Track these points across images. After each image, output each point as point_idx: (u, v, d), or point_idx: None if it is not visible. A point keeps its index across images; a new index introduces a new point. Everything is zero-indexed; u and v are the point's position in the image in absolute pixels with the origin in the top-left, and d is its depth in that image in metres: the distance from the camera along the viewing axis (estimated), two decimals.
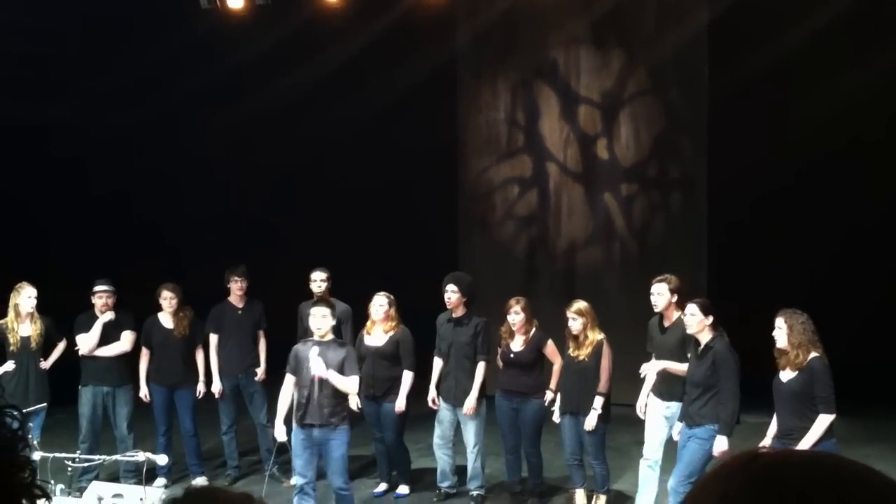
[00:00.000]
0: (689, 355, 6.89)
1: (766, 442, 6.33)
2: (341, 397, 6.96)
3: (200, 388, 8.41)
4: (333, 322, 7.06)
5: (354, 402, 7.74)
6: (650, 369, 7.15)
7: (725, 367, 6.49)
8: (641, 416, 7.29)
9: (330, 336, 7.01)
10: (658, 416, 7.19)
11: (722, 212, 10.88)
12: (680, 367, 6.98)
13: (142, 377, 8.31)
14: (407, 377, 7.93)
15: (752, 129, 10.55)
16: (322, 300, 7.31)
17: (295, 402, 7.00)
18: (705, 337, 6.62)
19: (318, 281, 8.41)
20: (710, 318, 6.61)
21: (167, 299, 8.26)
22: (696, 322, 6.60)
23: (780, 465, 0.98)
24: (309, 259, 8.97)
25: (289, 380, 7.08)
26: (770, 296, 7.71)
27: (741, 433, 6.65)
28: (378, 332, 7.99)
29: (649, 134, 11.23)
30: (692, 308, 6.64)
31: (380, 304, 7.95)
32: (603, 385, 7.26)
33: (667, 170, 11.27)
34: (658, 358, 7.17)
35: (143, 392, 8.30)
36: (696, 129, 11.01)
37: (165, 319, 8.32)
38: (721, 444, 6.45)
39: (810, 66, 10.18)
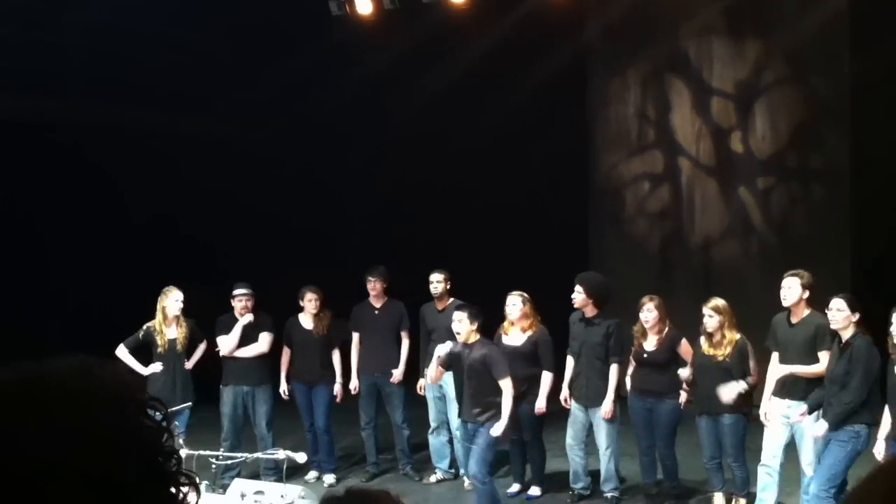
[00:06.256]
0: (819, 353, 6.68)
1: (880, 445, 6.09)
2: (491, 396, 7.06)
3: (337, 388, 8.60)
4: (474, 326, 7.13)
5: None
6: (776, 374, 6.90)
7: (860, 362, 6.27)
8: (766, 422, 7.04)
9: (473, 338, 7.15)
10: (777, 418, 6.93)
11: (868, 203, 10.37)
12: (807, 370, 6.74)
13: (282, 374, 8.57)
14: (546, 378, 7.88)
15: None
16: (463, 306, 7.35)
17: None
18: (848, 333, 6.38)
19: (435, 282, 8.48)
20: (857, 315, 6.37)
21: (311, 301, 8.48)
22: (843, 318, 6.37)
23: None
24: (437, 260, 9.03)
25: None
26: None
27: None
28: (515, 331, 7.96)
29: (788, 123, 10.82)
30: (839, 303, 6.41)
31: (513, 304, 7.91)
32: (753, 379, 7.09)
33: (807, 160, 10.84)
34: (782, 355, 6.94)
35: (283, 388, 8.55)
36: (838, 117, 10.55)
37: (306, 320, 8.55)
38: (818, 428, 6.35)
39: None
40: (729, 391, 6.85)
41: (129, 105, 11.33)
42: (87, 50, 11.19)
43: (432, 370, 7.36)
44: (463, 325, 7.07)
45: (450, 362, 7.33)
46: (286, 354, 8.60)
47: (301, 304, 8.55)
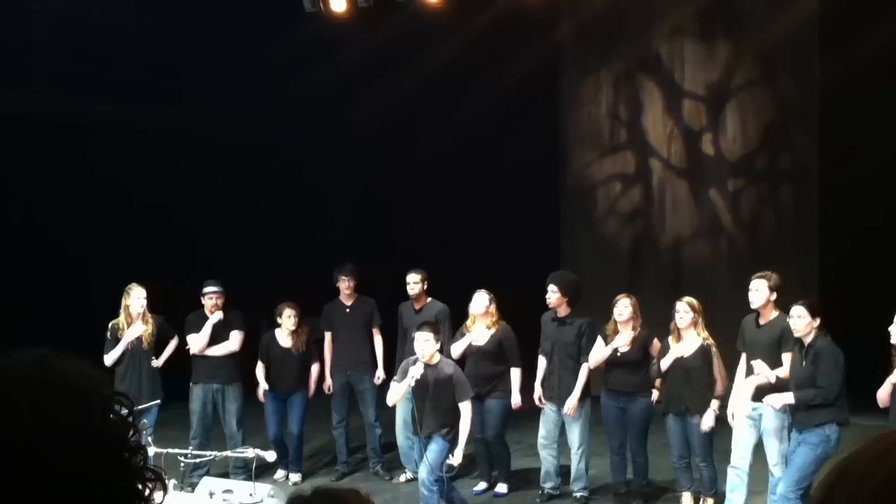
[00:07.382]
0: (783, 354, 6.71)
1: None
2: (453, 414, 7.03)
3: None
4: (437, 346, 7.09)
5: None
6: (745, 376, 6.94)
7: (825, 361, 6.30)
8: (732, 422, 7.08)
9: (437, 358, 7.07)
10: (745, 420, 6.97)
11: (835, 203, 10.48)
12: (772, 376, 6.75)
13: (261, 380, 8.36)
14: (515, 374, 7.92)
15: (868, 117, 10.09)
16: (426, 324, 7.21)
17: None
18: (810, 338, 6.42)
19: (412, 283, 8.46)
20: (818, 320, 6.39)
21: (289, 317, 8.36)
22: (804, 324, 6.39)
23: None
24: (411, 258, 9.02)
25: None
26: (888, 292, 7.37)
27: (854, 436, 6.38)
28: (480, 328, 7.99)
29: (758, 125, 10.92)
30: (800, 310, 6.43)
31: (480, 299, 7.99)
32: (720, 388, 7.13)
33: (777, 162, 10.95)
34: (749, 356, 6.97)
35: (263, 390, 8.38)
36: (806, 119, 10.66)
37: (283, 337, 8.41)
38: (777, 401, 6.40)
39: None
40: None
41: (109, 99, 11.24)
42: (67, 45, 11.12)
43: (399, 392, 7.21)
44: (429, 345, 6.96)
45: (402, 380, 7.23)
46: (261, 368, 8.39)
47: (278, 320, 8.40)
